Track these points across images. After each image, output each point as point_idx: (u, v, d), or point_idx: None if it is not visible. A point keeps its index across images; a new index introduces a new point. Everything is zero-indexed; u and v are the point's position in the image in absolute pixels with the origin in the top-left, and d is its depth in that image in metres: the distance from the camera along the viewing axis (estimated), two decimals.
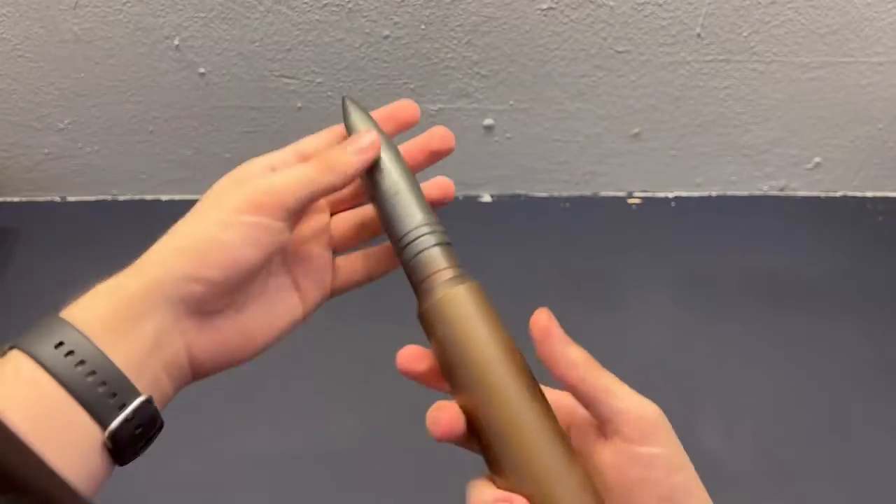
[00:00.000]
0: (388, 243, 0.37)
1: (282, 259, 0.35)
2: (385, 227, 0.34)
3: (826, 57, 0.88)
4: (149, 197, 1.04)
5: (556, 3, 0.81)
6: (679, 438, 0.29)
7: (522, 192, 1.05)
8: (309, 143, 0.36)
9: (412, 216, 0.33)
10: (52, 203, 1.04)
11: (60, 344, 0.27)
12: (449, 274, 0.32)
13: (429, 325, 0.32)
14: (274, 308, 0.35)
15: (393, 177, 0.34)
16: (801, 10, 0.83)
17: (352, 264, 0.38)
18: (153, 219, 1.02)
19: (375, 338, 0.85)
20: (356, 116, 0.36)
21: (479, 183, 1.03)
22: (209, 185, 0.34)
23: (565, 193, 1.05)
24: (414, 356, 0.33)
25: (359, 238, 0.39)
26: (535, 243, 0.99)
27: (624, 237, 1.00)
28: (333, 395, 0.81)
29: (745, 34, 0.85)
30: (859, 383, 0.84)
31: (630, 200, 1.05)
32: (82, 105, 0.92)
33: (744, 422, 0.80)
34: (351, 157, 0.33)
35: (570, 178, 1.03)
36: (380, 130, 0.36)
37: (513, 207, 1.04)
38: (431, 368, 0.33)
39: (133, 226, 1.00)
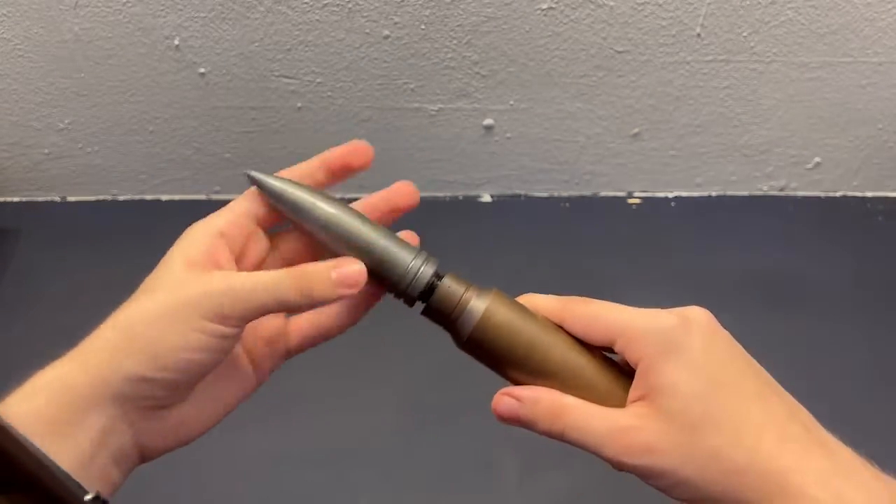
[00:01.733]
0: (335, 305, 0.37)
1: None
2: (378, 278, 0.33)
3: (826, 57, 0.89)
4: (149, 197, 1.04)
5: (556, 3, 0.81)
6: None
7: (522, 192, 1.05)
8: (241, 204, 0.34)
9: (399, 262, 0.33)
10: (52, 203, 1.04)
11: None
12: (470, 294, 0.33)
13: (482, 342, 0.33)
14: (225, 386, 0.33)
15: (364, 237, 0.33)
16: (801, 10, 0.83)
17: (304, 326, 0.36)
18: (153, 219, 1.02)
19: (376, 337, 0.85)
20: (277, 187, 0.33)
21: (479, 183, 1.03)
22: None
23: (565, 193, 1.05)
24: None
25: None
26: (535, 243, 0.98)
27: (624, 237, 1.00)
28: (333, 395, 0.81)
29: (745, 34, 0.85)
30: (859, 383, 0.84)
31: (630, 200, 1.05)
32: (82, 105, 0.92)
33: None
34: (334, 288, 0.30)
35: (570, 178, 1.03)
36: (318, 193, 0.34)
37: (513, 207, 1.04)
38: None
39: (133, 226, 1.00)
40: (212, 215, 0.33)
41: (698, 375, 0.28)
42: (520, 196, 1.05)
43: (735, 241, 0.99)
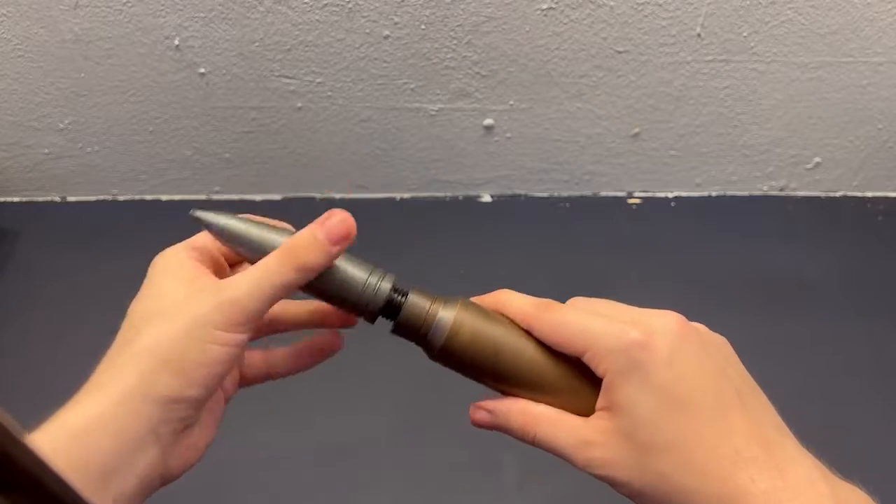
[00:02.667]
0: (290, 346, 0.37)
1: None
2: (335, 301, 0.33)
3: (826, 57, 0.89)
4: (149, 197, 1.04)
5: (556, 3, 0.81)
6: None
7: (522, 192, 1.05)
8: (200, 238, 0.33)
9: (356, 279, 0.32)
10: (52, 203, 1.04)
11: None
12: (436, 307, 0.33)
13: (451, 355, 0.33)
14: (215, 404, 0.33)
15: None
16: (801, 10, 0.83)
17: (254, 363, 0.37)
18: (153, 219, 1.02)
19: (376, 337, 0.85)
20: (232, 224, 0.32)
21: (479, 183, 1.03)
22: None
23: (565, 193, 1.05)
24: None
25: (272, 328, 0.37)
26: (535, 243, 0.99)
27: (624, 237, 1.00)
28: (333, 396, 0.81)
29: (745, 34, 0.85)
30: (859, 383, 0.84)
31: (630, 200, 1.05)
32: (82, 105, 0.92)
33: None
34: (327, 248, 0.30)
35: (570, 178, 1.03)
36: (262, 225, 0.33)
37: (513, 207, 1.04)
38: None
39: (133, 226, 1.00)
40: (176, 245, 0.33)
41: (655, 397, 0.29)
42: (520, 196, 1.05)
43: (735, 241, 0.99)
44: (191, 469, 0.32)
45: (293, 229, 0.33)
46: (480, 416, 0.33)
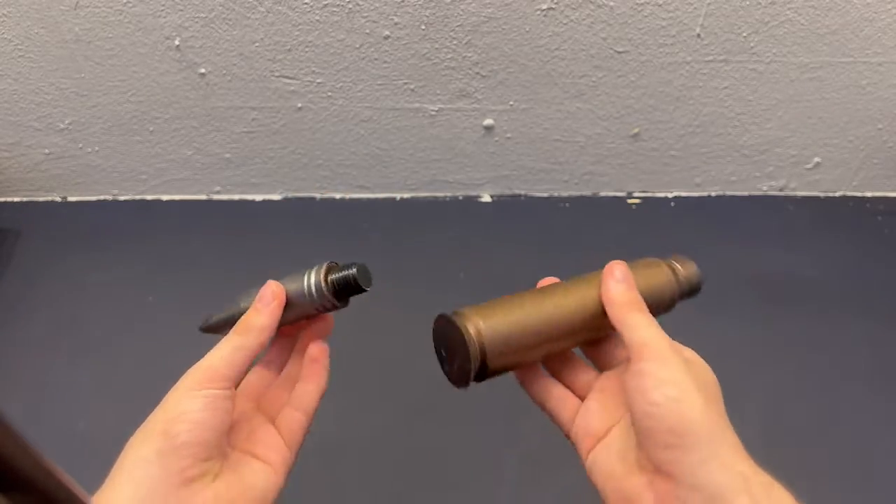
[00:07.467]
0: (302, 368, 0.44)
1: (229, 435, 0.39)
2: (303, 314, 0.39)
3: (826, 57, 0.89)
4: (149, 197, 1.04)
5: (556, 3, 0.82)
6: None
7: (522, 192, 1.05)
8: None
9: (299, 289, 0.38)
10: (52, 203, 1.04)
11: None
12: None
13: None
14: (246, 478, 0.38)
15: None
16: (800, 11, 0.83)
17: (295, 417, 0.42)
18: (153, 219, 1.02)
19: (376, 338, 0.85)
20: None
21: (479, 183, 1.04)
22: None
23: (565, 193, 1.05)
24: None
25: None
26: (535, 243, 0.99)
27: (624, 237, 1.00)
28: (333, 395, 0.81)
29: (744, 34, 0.85)
30: (859, 383, 0.84)
31: (630, 200, 1.05)
32: (82, 105, 0.92)
33: (744, 422, 0.80)
34: (259, 309, 0.38)
35: (570, 178, 1.03)
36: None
37: (513, 207, 1.04)
38: None
39: (133, 226, 1.00)
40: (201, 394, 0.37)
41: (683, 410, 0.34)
42: (520, 196, 1.05)
43: (735, 241, 0.99)
44: None
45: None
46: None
